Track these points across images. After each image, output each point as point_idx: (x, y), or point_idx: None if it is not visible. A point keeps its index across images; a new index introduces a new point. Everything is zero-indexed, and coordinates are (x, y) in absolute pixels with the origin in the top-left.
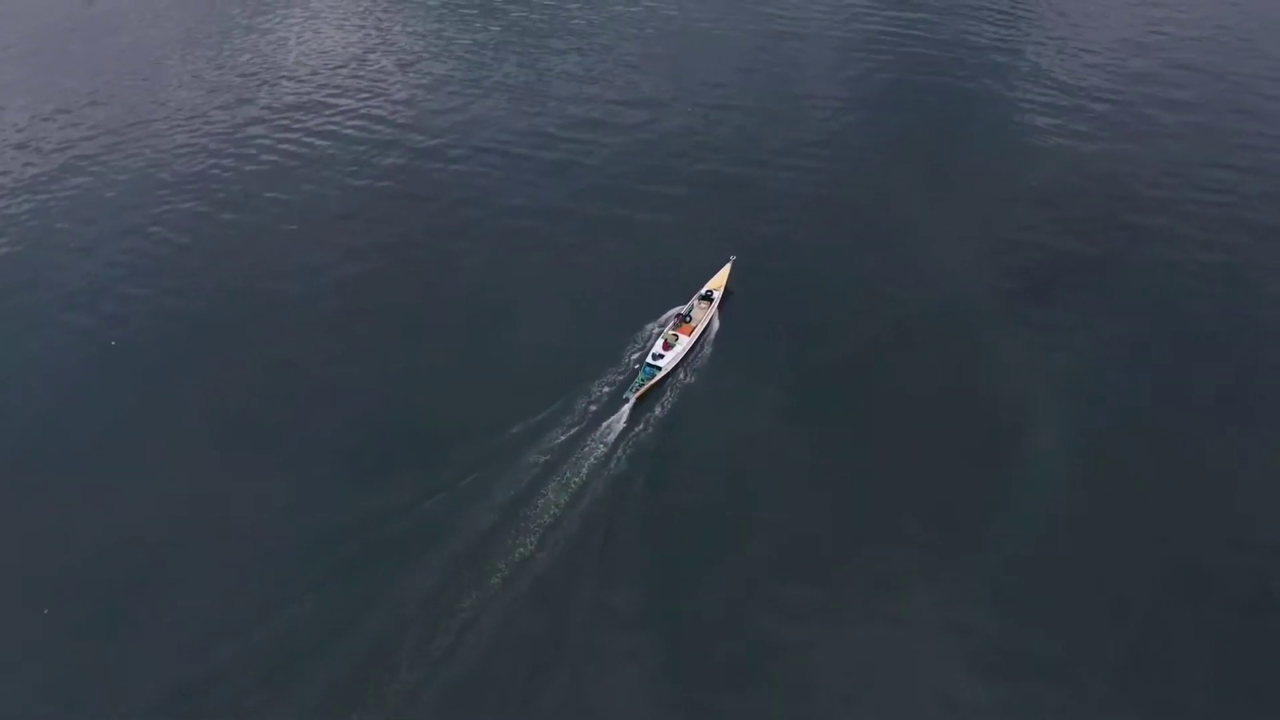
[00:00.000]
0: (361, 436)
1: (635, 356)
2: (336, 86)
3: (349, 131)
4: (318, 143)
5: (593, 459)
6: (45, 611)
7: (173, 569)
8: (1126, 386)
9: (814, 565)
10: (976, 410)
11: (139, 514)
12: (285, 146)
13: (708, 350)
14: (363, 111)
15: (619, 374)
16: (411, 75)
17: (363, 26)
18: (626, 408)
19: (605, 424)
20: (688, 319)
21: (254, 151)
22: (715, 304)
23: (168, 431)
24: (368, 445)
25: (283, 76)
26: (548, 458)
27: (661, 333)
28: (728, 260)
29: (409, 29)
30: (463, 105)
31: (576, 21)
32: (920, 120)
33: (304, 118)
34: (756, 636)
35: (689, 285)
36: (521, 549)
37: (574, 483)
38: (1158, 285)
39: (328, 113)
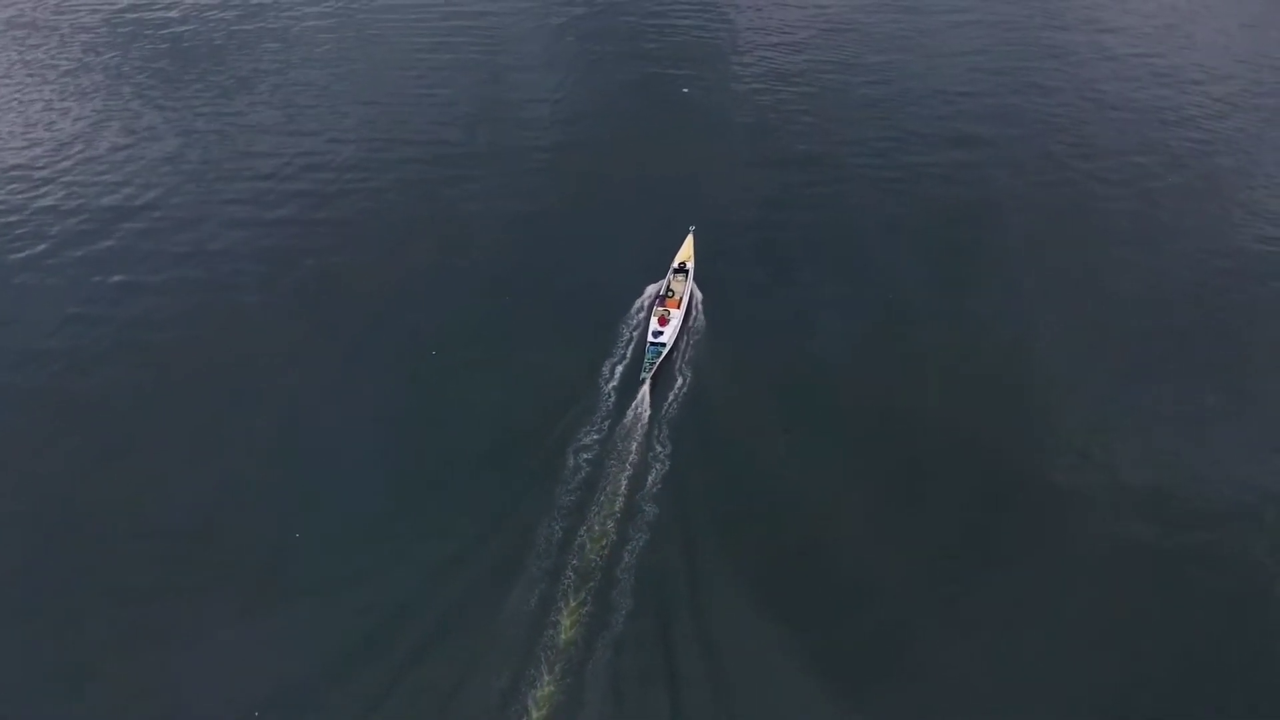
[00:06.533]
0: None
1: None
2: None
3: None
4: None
5: (633, 444)
6: None
7: None
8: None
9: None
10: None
11: None
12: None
13: (700, 319)
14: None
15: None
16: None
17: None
18: (645, 389)
19: (631, 410)
20: (670, 294)
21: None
22: (690, 275)
23: None
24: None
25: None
26: (589, 455)
27: (652, 311)
28: (688, 232)
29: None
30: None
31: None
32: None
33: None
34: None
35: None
36: (598, 553)
37: (624, 473)
38: None
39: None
